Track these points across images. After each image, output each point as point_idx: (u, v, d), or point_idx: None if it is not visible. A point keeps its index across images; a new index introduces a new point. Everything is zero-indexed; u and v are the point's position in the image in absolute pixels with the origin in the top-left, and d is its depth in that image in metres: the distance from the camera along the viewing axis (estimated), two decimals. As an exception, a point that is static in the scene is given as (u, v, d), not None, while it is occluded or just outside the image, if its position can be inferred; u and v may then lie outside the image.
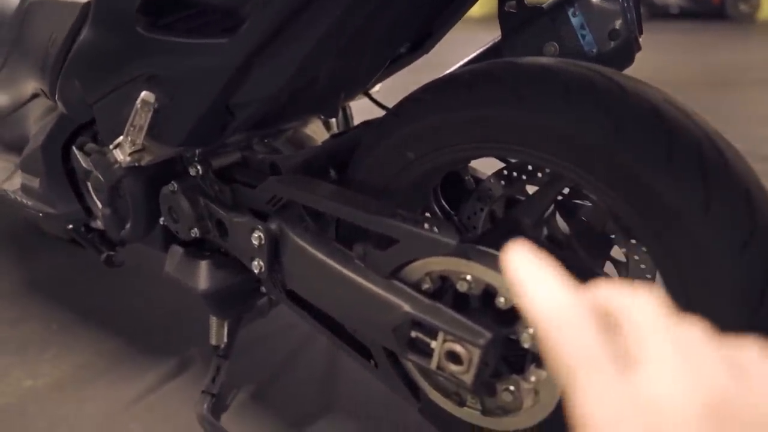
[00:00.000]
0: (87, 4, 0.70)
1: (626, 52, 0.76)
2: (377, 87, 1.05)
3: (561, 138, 0.58)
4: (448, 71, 0.83)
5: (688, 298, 0.57)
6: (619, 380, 0.20)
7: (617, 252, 0.78)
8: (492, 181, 0.82)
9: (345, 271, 0.69)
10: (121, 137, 0.71)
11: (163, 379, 1.05)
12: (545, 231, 0.76)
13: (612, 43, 0.76)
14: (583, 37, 0.77)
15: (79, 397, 1.00)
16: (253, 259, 0.76)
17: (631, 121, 0.55)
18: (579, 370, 0.20)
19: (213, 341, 0.98)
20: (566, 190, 0.79)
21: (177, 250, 0.85)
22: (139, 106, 0.66)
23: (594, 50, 0.77)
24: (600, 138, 0.56)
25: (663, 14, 5.97)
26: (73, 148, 0.89)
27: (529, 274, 0.23)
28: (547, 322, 0.22)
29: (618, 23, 0.75)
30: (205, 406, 0.94)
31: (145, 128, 0.68)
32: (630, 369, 0.20)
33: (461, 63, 0.88)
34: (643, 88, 0.57)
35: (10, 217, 1.56)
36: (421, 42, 0.91)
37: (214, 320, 0.97)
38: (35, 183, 0.94)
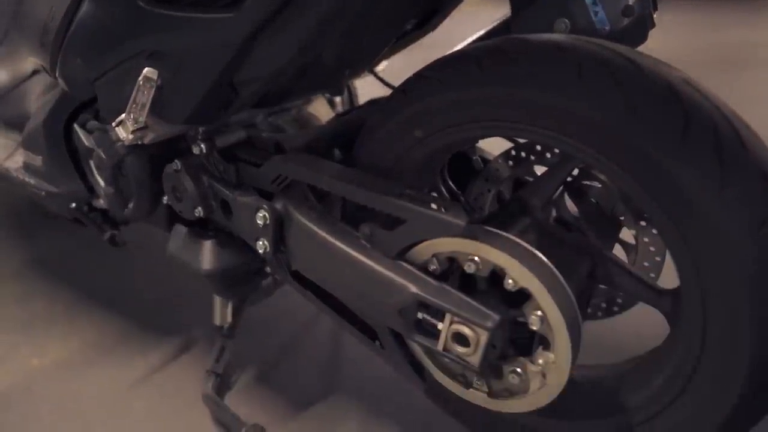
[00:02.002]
0: (87, -24, 0.68)
1: (640, 29, 0.74)
2: (383, 65, 1.03)
3: (573, 117, 0.56)
4: (455, 48, 0.81)
5: (700, 280, 0.56)
6: None
7: (627, 234, 0.77)
8: (499, 161, 0.81)
9: (351, 252, 0.68)
10: (124, 115, 0.69)
11: (167, 358, 1.05)
12: (554, 212, 0.75)
13: (625, 20, 0.74)
14: (596, 13, 0.75)
15: (85, 375, 1.01)
16: (257, 239, 0.76)
17: (646, 101, 0.53)
18: None
19: (217, 321, 0.98)
20: (575, 171, 0.78)
21: (180, 229, 0.85)
22: (141, 82, 0.65)
23: (606, 27, 0.75)
24: (613, 117, 0.54)
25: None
26: (75, 125, 0.88)
27: None
28: None
29: (630, 0, 0.73)
30: (210, 385, 0.94)
31: (148, 105, 0.67)
32: None
33: (469, 40, 0.86)
34: (659, 67, 0.56)
35: (14, 195, 1.56)
36: (428, 19, 0.88)
37: (218, 300, 0.97)
38: (37, 161, 0.93)
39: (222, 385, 0.97)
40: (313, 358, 1.06)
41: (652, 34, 0.74)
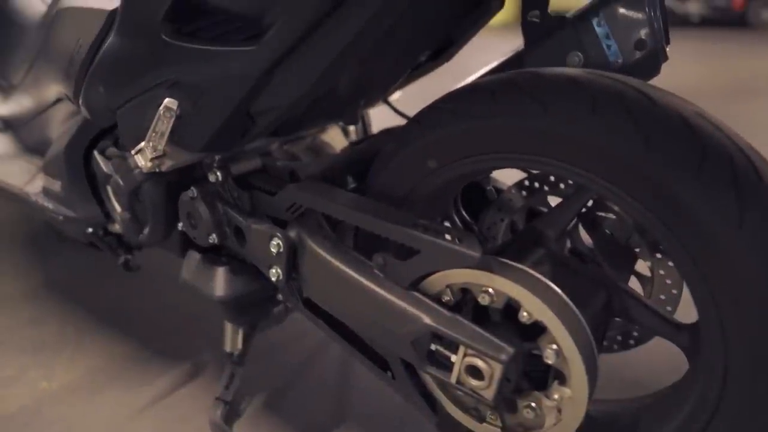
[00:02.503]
0: (114, 11, 0.71)
1: (652, 62, 0.75)
2: (396, 95, 1.05)
3: (588, 150, 0.57)
4: (468, 80, 0.82)
5: (718, 314, 0.55)
6: None
7: (642, 266, 0.76)
8: (513, 191, 0.81)
9: (364, 281, 0.68)
10: (143, 143, 0.71)
11: (175, 384, 1.04)
12: (568, 243, 0.74)
13: (638, 53, 0.74)
14: (609, 47, 0.76)
15: (93, 400, 1.01)
16: (270, 267, 0.76)
17: (662, 134, 0.54)
18: None
19: (227, 348, 0.98)
20: (590, 203, 0.77)
21: (194, 255, 0.85)
22: (161, 112, 0.67)
23: (619, 60, 0.75)
24: (629, 150, 0.54)
25: (683, 23, 5.88)
26: (95, 152, 0.89)
27: None
28: None
29: (644, 33, 0.74)
30: (219, 413, 0.93)
31: (167, 134, 0.68)
32: None
33: (482, 72, 0.88)
34: (673, 100, 0.56)
35: (31, 219, 1.58)
36: (442, 50, 0.90)
37: (229, 326, 0.97)
38: (57, 186, 0.94)
39: (231, 413, 0.96)
40: (322, 386, 1.04)
41: (664, 65, 0.75)
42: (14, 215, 1.59)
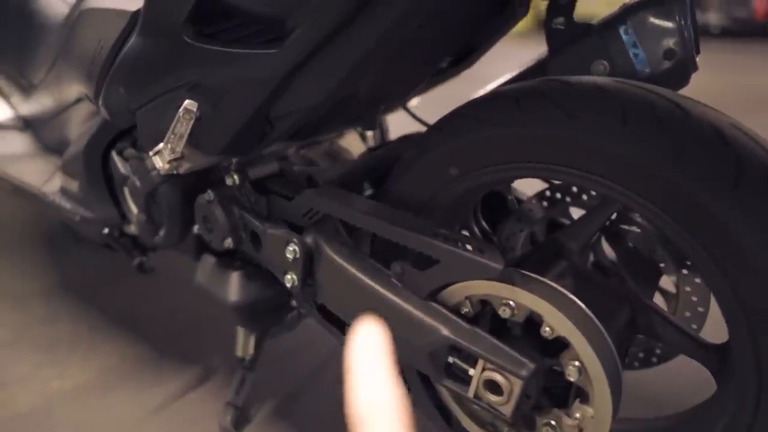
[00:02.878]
0: (136, 12, 0.70)
1: (681, 72, 0.73)
2: (415, 101, 1.03)
3: (617, 161, 0.55)
4: (489, 88, 0.81)
5: (751, 333, 0.53)
6: None
7: (667, 282, 0.74)
8: (534, 202, 0.79)
9: (381, 290, 0.67)
10: (161, 144, 0.70)
11: (186, 386, 1.04)
12: (591, 257, 0.72)
13: (666, 63, 0.72)
14: (636, 55, 0.74)
15: (104, 400, 1.00)
16: (286, 273, 0.75)
17: (695, 145, 0.52)
18: None
19: (239, 353, 0.97)
20: (614, 215, 0.75)
21: (209, 259, 0.85)
22: (181, 114, 0.66)
23: (647, 70, 0.73)
24: (659, 162, 0.53)
25: (703, 33, 5.77)
26: (113, 153, 0.89)
27: (362, 361, 0.24)
28: (360, 417, 0.23)
29: (674, 42, 0.72)
30: (229, 418, 0.93)
31: (186, 136, 0.68)
32: None
33: (503, 80, 0.86)
34: (706, 111, 0.54)
35: (48, 218, 1.59)
36: (464, 56, 0.89)
37: (241, 331, 0.96)
38: (74, 186, 0.95)
39: (241, 418, 0.95)
40: (333, 394, 1.03)
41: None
42: (32, 215, 1.61)
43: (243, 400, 0.96)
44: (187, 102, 0.66)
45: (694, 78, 0.73)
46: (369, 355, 0.24)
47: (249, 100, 0.64)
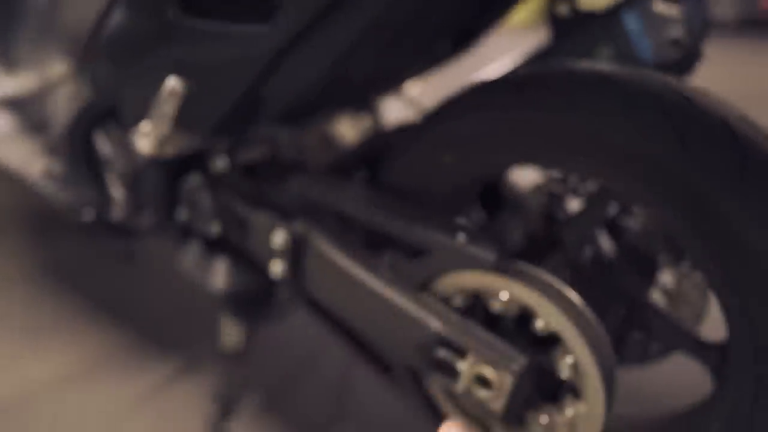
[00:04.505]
0: (119, -16, 0.67)
1: (686, 61, 0.71)
2: (416, 88, 1.01)
3: (619, 151, 0.53)
4: (489, 74, 0.78)
5: (751, 331, 0.51)
6: None
7: (666, 278, 0.72)
8: (531, 194, 0.77)
9: (370, 280, 0.64)
10: (146, 124, 0.67)
11: (171, 376, 1.02)
12: (588, 251, 0.70)
13: (671, 52, 0.70)
14: (640, 43, 0.72)
15: (86, 390, 0.98)
16: (273, 261, 0.72)
17: (701, 137, 0.49)
18: None
19: (225, 343, 0.95)
20: (613, 208, 0.73)
21: (195, 246, 0.82)
22: (166, 92, 0.63)
23: (651, 58, 0.71)
24: (663, 153, 0.50)
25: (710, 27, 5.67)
26: (96, 133, 0.86)
27: None
28: None
29: (679, 31, 0.70)
30: (215, 409, 0.90)
31: (171, 116, 0.65)
32: None
33: (505, 66, 0.83)
34: (714, 102, 0.52)
35: (30, 201, 1.56)
36: (462, 41, 0.86)
37: (227, 321, 0.94)
38: (57, 167, 0.92)
39: (227, 409, 0.93)
40: (322, 385, 1.01)
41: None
42: (14, 198, 1.57)
43: (230, 391, 0.94)
44: (172, 80, 0.63)
45: (702, 71, 0.71)
46: None
47: (236, 80, 0.61)
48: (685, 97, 0.51)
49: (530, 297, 0.56)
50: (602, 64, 0.59)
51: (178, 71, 0.63)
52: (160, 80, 0.64)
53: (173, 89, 0.63)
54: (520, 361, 0.56)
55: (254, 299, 0.83)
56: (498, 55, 1.04)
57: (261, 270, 0.77)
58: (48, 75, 0.94)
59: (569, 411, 0.57)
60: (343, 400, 0.98)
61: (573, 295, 0.56)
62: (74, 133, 0.88)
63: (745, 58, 3.35)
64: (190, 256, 0.82)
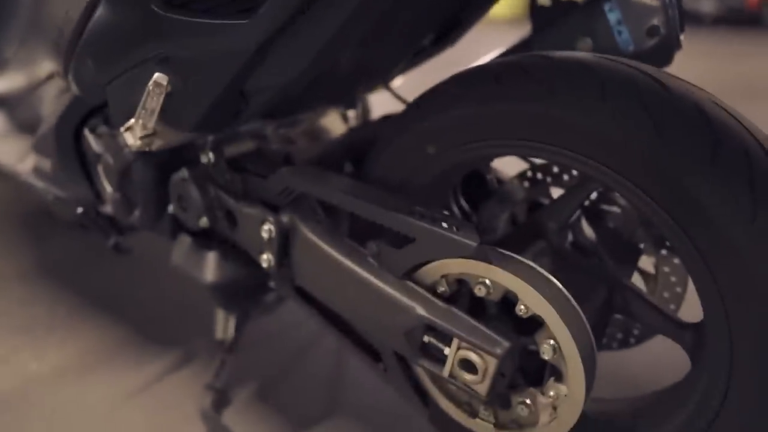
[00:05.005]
0: (103, -19, 0.68)
1: (665, 50, 0.72)
2: (399, 81, 1.02)
3: (595, 137, 0.54)
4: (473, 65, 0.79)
5: (726, 312, 0.52)
6: None
7: (646, 263, 0.74)
8: (515, 182, 0.78)
9: (357, 270, 0.66)
10: (132, 120, 0.68)
11: (166, 369, 1.03)
12: (570, 237, 0.71)
13: (650, 41, 0.72)
14: (620, 33, 0.73)
15: (83, 383, 0.99)
16: (261, 253, 0.73)
17: (674, 122, 0.51)
18: None
19: (219, 335, 0.96)
20: (594, 195, 0.75)
21: (185, 239, 0.83)
22: (151, 88, 0.64)
23: (630, 47, 0.73)
24: (638, 139, 0.52)
25: (694, 21, 5.75)
26: (85, 130, 0.87)
27: None
28: None
29: (658, 20, 0.71)
30: (209, 400, 0.92)
31: (157, 111, 0.66)
32: None
33: (488, 58, 0.84)
34: (687, 87, 0.53)
35: (24, 199, 1.56)
36: (446, 34, 0.87)
37: (220, 314, 0.95)
38: (47, 164, 0.92)
39: (220, 400, 0.94)
40: (314, 376, 1.02)
41: (674, 62, 0.72)
42: (8, 196, 1.57)
43: (223, 383, 0.96)
44: (156, 75, 0.64)
45: (687, 65, 0.72)
46: None
47: (221, 74, 0.62)
48: (659, 83, 0.52)
49: (510, 282, 0.57)
50: (578, 52, 0.60)
51: (163, 66, 0.64)
52: (145, 76, 0.65)
53: (158, 85, 0.64)
54: (502, 345, 0.58)
55: (245, 291, 0.84)
56: (482, 49, 1.05)
57: (251, 261, 0.78)
58: (36, 74, 0.94)
59: (551, 392, 0.59)
60: (335, 390, 1.00)
61: (552, 280, 0.57)
62: (62, 131, 0.88)
63: (732, 52, 3.37)
64: (180, 249, 0.83)
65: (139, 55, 0.65)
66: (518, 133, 0.59)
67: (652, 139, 0.51)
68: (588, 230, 0.73)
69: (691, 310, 0.64)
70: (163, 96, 0.65)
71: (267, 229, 0.71)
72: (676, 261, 0.72)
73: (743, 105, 0.57)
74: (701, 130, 0.50)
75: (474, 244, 0.57)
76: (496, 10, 0.88)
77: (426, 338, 0.62)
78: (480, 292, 0.60)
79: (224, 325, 0.95)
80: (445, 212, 0.76)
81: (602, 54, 0.64)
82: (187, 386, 0.99)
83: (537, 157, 0.63)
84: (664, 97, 0.52)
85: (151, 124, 0.67)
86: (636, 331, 0.76)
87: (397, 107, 0.95)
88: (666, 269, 0.72)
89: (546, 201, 0.77)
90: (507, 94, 0.58)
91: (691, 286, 0.60)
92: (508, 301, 0.59)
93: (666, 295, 0.73)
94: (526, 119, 0.57)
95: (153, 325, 1.13)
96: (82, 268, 1.31)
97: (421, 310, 0.61)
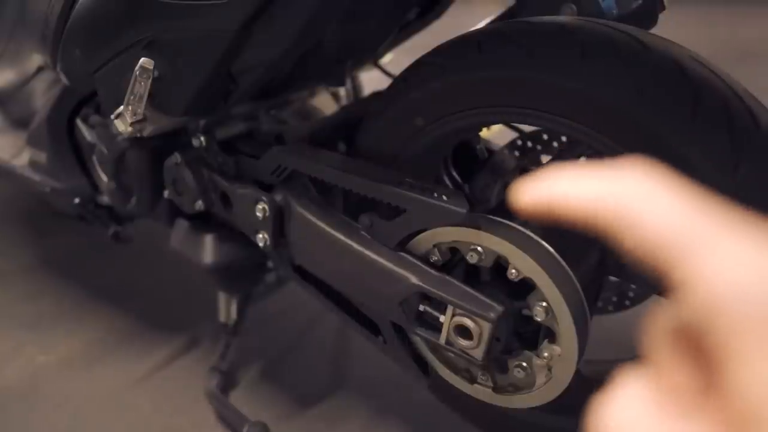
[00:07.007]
0: (84, -33, 0.68)
1: (648, 12, 0.72)
2: (388, 57, 1.02)
3: (577, 100, 0.54)
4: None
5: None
6: None
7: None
8: (505, 152, 0.79)
9: (351, 243, 0.67)
10: (122, 107, 0.69)
11: (172, 356, 1.04)
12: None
13: (634, 3, 0.71)
14: (603, -4, 0.73)
15: (90, 373, 1.01)
16: (257, 232, 0.74)
17: (653, 78, 0.51)
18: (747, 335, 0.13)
19: (222, 318, 0.97)
20: (582, 159, 0.75)
21: (182, 223, 0.84)
22: (138, 73, 0.64)
23: (614, 11, 0.72)
24: (620, 99, 0.52)
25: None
26: (77, 120, 0.88)
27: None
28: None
29: (640, -19, 0.71)
30: (214, 383, 0.93)
31: (146, 97, 0.66)
32: None
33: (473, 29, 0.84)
34: (665, 44, 0.53)
35: (25, 194, 1.57)
36: (431, 7, 0.87)
37: (222, 296, 0.96)
38: (42, 157, 0.93)
39: (226, 382, 0.96)
40: (317, 355, 1.04)
41: (667, 28, 0.72)
42: (8, 191, 1.58)
43: (228, 365, 0.97)
44: (142, 60, 0.64)
45: (682, 31, 0.72)
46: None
47: (206, 55, 0.62)
48: (638, 41, 0.53)
49: (501, 247, 0.58)
50: (560, 17, 0.60)
51: (148, 51, 0.65)
52: (132, 62, 0.65)
53: (144, 69, 0.64)
54: (496, 309, 0.59)
55: (244, 272, 0.86)
56: (468, 21, 1.04)
57: (248, 242, 0.79)
58: (27, 67, 0.95)
59: (545, 353, 0.60)
60: (340, 366, 1.02)
61: (541, 242, 0.58)
62: (55, 123, 0.89)
63: (727, 18, 3.34)
64: (177, 233, 0.84)
65: (124, 40, 0.65)
66: (502, 100, 0.59)
67: (632, 96, 0.51)
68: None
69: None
70: (150, 80, 0.65)
71: (261, 209, 0.72)
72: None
73: (734, 67, 0.57)
74: (680, 85, 0.50)
75: (463, 211, 0.58)
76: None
77: (421, 307, 0.63)
78: (472, 259, 0.61)
79: (227, 308, 0.97)
80: (434, 182, 0.77)
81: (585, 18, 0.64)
82: (194, 370, 1.01)
83: (523, 122, 0.64)
84: (643, 54, 0.52)
85: (141, 109, 0.68)
86: (631, 293, 0.77)
87: (387, 85, 0.95)
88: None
89: (535, 167, 0.78)
90: (489, 62, 0.59)
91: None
92: (502, 267, 0.60)
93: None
94: (509, 85, 0.58)
95: (157, 312, 1.15)
96: (86, 261, 1.33)
97: (414, 279, 0.62)
